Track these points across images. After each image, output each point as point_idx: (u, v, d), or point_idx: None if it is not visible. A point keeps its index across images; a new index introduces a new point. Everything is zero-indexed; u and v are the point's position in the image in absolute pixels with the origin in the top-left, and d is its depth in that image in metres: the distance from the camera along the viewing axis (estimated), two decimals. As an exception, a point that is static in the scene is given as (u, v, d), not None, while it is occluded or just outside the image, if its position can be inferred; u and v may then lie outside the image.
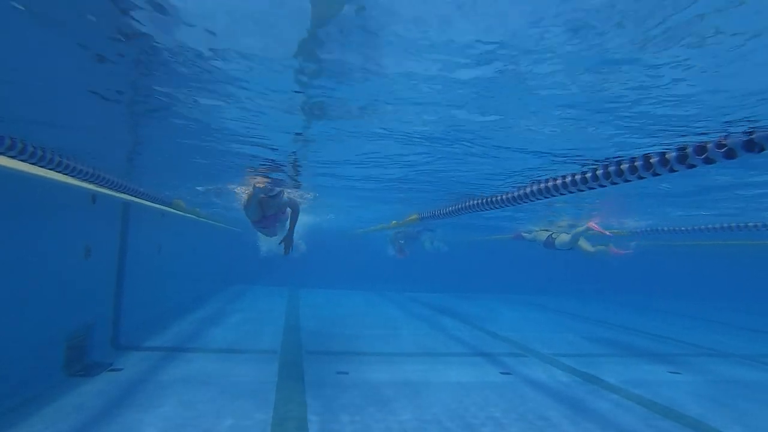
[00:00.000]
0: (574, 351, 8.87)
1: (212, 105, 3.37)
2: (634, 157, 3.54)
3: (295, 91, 3.02)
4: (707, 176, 5.46)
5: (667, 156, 3.22)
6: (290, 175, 6.42)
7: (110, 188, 5.53)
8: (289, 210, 6.95)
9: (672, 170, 3.25)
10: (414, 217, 9.53)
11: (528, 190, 4.89)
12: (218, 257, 16.76)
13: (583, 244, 10.01)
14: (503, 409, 5.22)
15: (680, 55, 2.25)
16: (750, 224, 8.06)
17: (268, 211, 6.69)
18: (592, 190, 4.30)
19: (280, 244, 6.72)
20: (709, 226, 8.77)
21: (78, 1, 2.03)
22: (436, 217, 8.13)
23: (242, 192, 7.79)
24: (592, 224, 9.26)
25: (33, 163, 3.87)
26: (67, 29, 2.28)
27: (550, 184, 4.50)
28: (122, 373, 5.83)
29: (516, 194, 5.16)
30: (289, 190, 7.45)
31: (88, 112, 3.72)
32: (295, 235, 6.86)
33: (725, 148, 2.85)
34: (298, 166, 5.75)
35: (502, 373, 6.84)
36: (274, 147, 4.72)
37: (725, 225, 8.44)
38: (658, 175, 3.39)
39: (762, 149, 2.76)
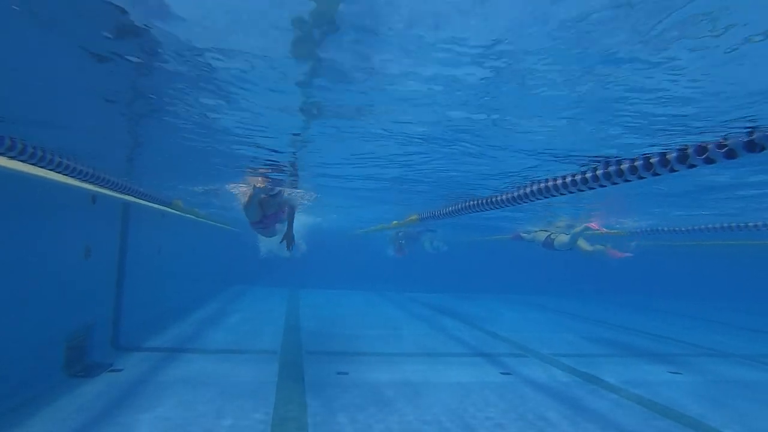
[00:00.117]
0: (574, 351, 8.87)
1: (212, 105, 3.37)
2: (634, 158, 3.54)
3: (294, 91, 3.02)
4: (706, 176, 5.46)
5: (667, 156, 3.22)
6: (290, 175, 6.42)
7: (110, 189, 5.53)
8: (287, 208, 7.00)
9: (672, 170, 3.26)
10: (414, 217, 9.54)
11: (527, 190, 4.89)
12: (218, 257, 16.76)
13: (582, 243, 10.02)
14: (503, 410, 5.22)
15: (679, 54, 2.25)
16: (750, 224, 8.05)
17: (268, 211, 6.70)
18: (591, 190, 4.30)
19: (281, 242, 6.77)
20: (710, 225, 8.76)
21: (76, 1, 2.03)
22: (436, 218, 8.13)
23: (242, 193, 7.79)
24: (591, 224, 9.27)
25: (33, 164, 3.87)
26: (66, 29, 2.28)
27: (549, 183, 4.50)
28: (122, 373, 5.83)
29: (515, 194, 5.16)
30: (288, 190, 7.46)
31: (87, 113, 3.72)
32: (295, 233, 6.92)
33: (726, 149, 2.85)
34: (298, 166, 5.75)
35: (502, 373, 6.84)
36: (274, 147, 4.72)
37: (725, 225, 8.44)
38: (657, 175, 3.39)
39: (763, 149, 2.76)
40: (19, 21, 2.18)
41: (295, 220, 7.05)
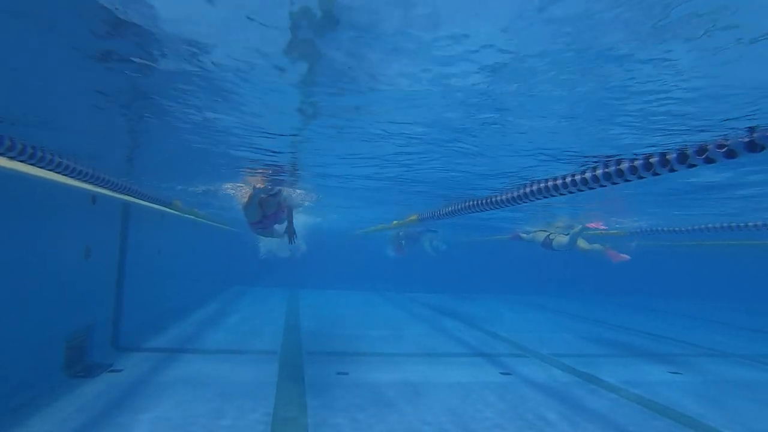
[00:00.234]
0: (574, 351, 8.87)
1: (211, 104, 3.37)
2: (634, 158, 3.54)
3: (293, 91, 3.02)
4: (704, 176, 5.45)
5: (667, 156, 3.23)
6: (289, 175, 6.42)
7: (110, 189, 5.53)
8: (286, 208, 7.12)
9: (672, 170, 3.26)
10: (414, 217, 9.55)
11: (527, 190, 4.89)
12: (218, 258, 16.76)
13: (581, 242, 10.02)
14: (503, 410, 5.22)
15: (678, 52, 2.25)
16: (750, 224, 8.06)
17: (268, 211, 6.72)
18: (591, 190, 4.30)
19: (283, 234, 7.15)
20: (709, 225, 8.76)
21: (74, 1, 2.03)
22: (436, 218, 8.14)
23: (241, 194, 7.82)
24: (590, 224, 9.28)
25: (33, 164, 3.87)
26: (66, 29, 2.28)
27: (549, 184, 4.50)
28: (122, 374, 5.83)
29: (515, 194, 5.16)
30: (288, 190, 7.49)
31: (87, 113, 3.71)
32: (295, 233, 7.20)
33: (726, 149, 2.85)
34: (297, 166, 5.75)
35: (501, 373, 6.85)
36: (273, 147, 4.72)
37: (725, 225, 8.44)
38: (657, 174, 3.39)
39: (763, 149, 2.76)
40: (17, 21, 2.18)
41: (294, 220, 7.22)
